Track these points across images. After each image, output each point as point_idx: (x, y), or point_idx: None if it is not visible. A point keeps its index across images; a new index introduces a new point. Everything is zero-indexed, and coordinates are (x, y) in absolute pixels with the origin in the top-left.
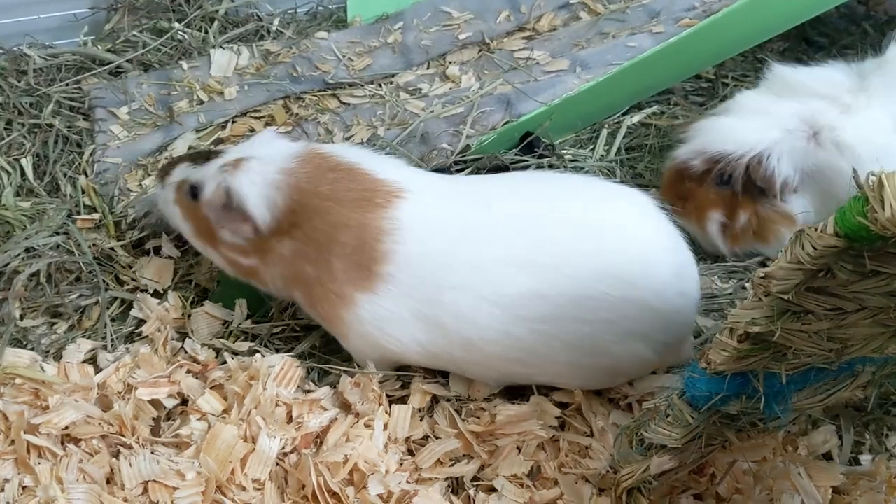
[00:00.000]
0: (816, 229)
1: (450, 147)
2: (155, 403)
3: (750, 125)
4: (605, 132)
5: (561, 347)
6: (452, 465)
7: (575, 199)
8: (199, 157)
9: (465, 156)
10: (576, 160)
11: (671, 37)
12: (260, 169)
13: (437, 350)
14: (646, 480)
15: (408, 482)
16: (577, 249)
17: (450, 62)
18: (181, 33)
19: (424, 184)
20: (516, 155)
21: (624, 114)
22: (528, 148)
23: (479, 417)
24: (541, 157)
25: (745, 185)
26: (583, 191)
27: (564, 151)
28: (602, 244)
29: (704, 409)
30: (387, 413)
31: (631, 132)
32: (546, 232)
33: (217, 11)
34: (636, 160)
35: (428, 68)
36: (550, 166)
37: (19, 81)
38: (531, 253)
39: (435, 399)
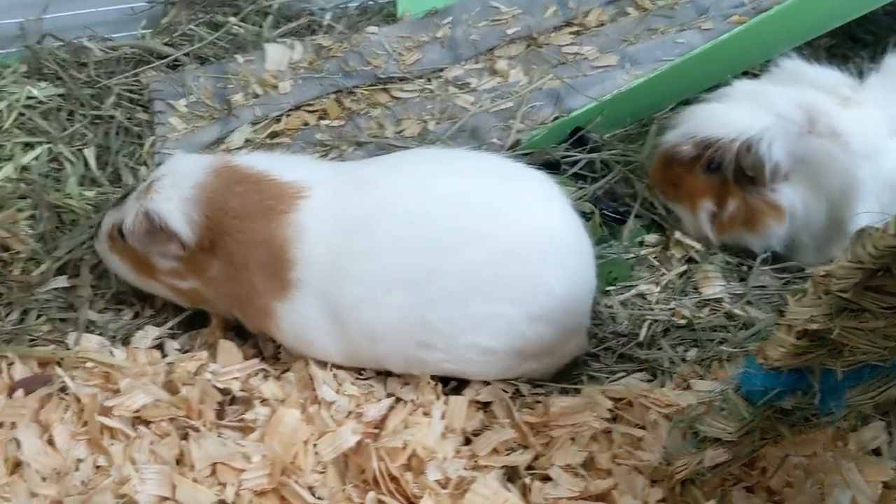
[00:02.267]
0: (878, 230)
1: (500, 142)
2: (222, 390)
3: (742, 110)
4: (654, 128)
5: (465, 327)
6: (508, 454)
7: (478, 179)
8: (120, 199)
9: (515, 151)
10: (625, 155)
11: (720, 33)
12: (172, 186)
13: (353, 347)
14: (699, 473)
15: (465, 469)
16: (479, 229)
17: (498, 57)
18: (236, 27)
19: (325, 179)
20: (566, 150)
21: (672, 109)
22: (579, 143)
23: (533, 409)
24: (591, 152)
25: (734, 172)
26: (487, 170)
27: (614, 147)
28: (504, 224)
29: (760, 404)
30: (444, 403)
31: None
32: (447, 211)
33: (271, 6)
34: None
35: (476, 63)
36: (602, 162)
37: (80, 73)
38: (431, 233)
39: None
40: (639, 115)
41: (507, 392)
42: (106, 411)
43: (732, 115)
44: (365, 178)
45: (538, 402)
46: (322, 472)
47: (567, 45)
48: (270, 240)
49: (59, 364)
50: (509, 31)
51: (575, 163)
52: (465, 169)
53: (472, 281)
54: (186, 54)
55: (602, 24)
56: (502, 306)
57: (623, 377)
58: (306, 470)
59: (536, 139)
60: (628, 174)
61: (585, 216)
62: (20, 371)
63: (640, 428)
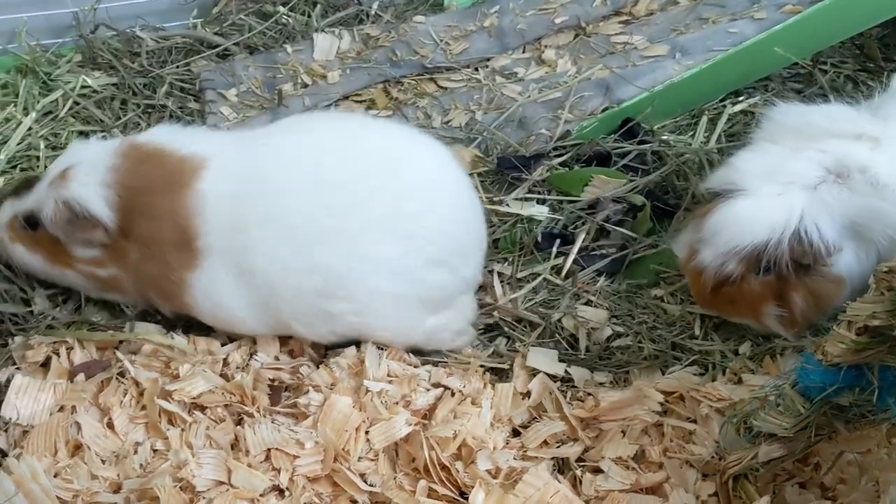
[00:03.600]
0: None
1: (548, 132)
2: (273, 379)
3: (771, 201)
4: (705, 119)
5: (365, 270)
6: (558, 446)
7: (373, 128)
8: (20, 187)
9: (564, 141)
10: (675, 147)
11: (774, 23)
12: (88, 172)
13: (262, 308)
14: (752, 468)
15: (515, 459)
16: (374, 169)
17: (545, 46)
18: (285, 17)
19: (221, 147)
20: (616, 141)
21: (722, 100)
22: (629, 134)
23: (583, 402)
24: (640, 143)
25: (792, 265)
26: (379, 124)
27: (664, 137)
28: (399, 165)
29: (817, 400)
30: (492, 392)
31: (730, 119)
32: (342, 154)
33: None
34: (736, 148)
35: (523, 52)
36: (654, 153)
37: (133, 63)
38: (324, 174)
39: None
40: (689, 105)
41: (555, 381)
42: (165, 395)
43: (766, 211)
44: (258, 136)
45: (589, 394)
46: (373, 460)
47: (616, 34)
48: (176, 212)
49: (117, 348)
50: (557, 21)
51: (625, 154)
52: (359, 121)
53: (368, 221)
54: (236, 44)
55: (651, 14)
56: (399, 246)
57: (675, 370)
58: (357, 457)
59: (586, 130)
60: (680, 166)
61: (636, 208)
62: (80, 356)
63: (691, 422)
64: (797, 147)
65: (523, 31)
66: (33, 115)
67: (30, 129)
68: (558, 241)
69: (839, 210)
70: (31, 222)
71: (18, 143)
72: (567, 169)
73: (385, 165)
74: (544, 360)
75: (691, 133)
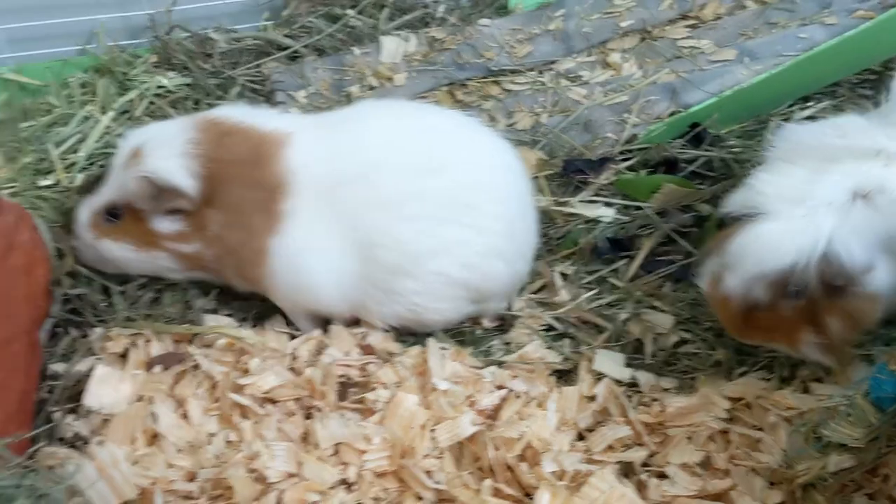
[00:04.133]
0: None
1: (614, 136)
2: (341, 375)
3: (797, 223)
4: (773, 125)
5: (437, 248)
6: (624, 450)
7: (449, 122)
8: (88, 186)
9: (631, 145)
10: (743, 152)
11: (845, 29)
12: (163, 146)
13: (347, 272)
14: (821, 477)
15: (580, 462)
16: (453, 158)
17: (611, 49)
18: (353, 20)
19: (301, 125)
20: (683, 146)
21: (789, 106)
22: (696, 139)
23: (648, 407)
24: (708, 149)
25: (821, 288)
26: (455, 115)
27: (731, 143)
28: (474, 158)
29: (890, 411)
30: (558, 395)
31: None
32: (425, 139)
33: None
34: None
35: (589, 55)
36: (722, 160)
37: (206, 64)
38: (409, 157)
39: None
40: (757, 111)
41: (621, 386)
42: (237, 389)
43: (791, 234)
44: (335, 116)
45: (654, 399)
46: (438, 458)
47: (683, 38)
48: (263, 180)
49: (191, 342)
50: (623, 24)
51: (692, 160)
52: (438, 110)
53: (444, 204)
54: (306, 46)
55: (719, 18)
56: (466, 232)
57: (742, 377)
58: (422, 454)
59: (653, 135)
60: (748, 174)
61: (702, 219)
62: (157, 348)
63: (758, 429)
64: (816, 168)
65: (588, 34)
66: (111, 114)
67: (107, 127)
68: (618, 245)
69: (867, 229)
70: (114, 213)
71: (96, 141)
72: (634, 174)
73: (462, 152)
74: (611, 364)
75: (758, 138)
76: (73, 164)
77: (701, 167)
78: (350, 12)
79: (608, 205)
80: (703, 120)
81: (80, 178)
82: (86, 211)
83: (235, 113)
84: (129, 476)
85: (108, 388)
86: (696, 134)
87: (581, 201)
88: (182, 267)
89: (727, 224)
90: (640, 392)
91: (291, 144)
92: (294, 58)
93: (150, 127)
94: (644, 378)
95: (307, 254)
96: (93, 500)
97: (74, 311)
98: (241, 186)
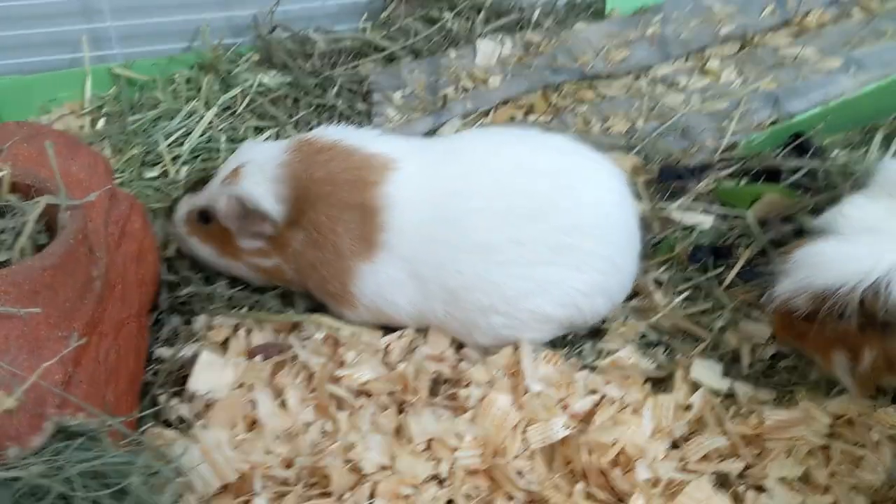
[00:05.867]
0: None
1: (713, 144)
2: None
3: (859, 249)
4: (879, 136)
5: (533, 289)
6: (720, 461)
7: (553, 158)
8: (195, 185)
9: (731, 153)
10: (848, 164)
11: None
12: (258, 169)
13: (424, 306)
14: None
15: (675, 471)
16: (554, 200)
17: (709, 56)
18: (450, 22)
19: (408, 152)
20: (786, 157)
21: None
22: (800, 150)
23: (745, 419)
24: (811, 158)
25: (863, 319)
26: (560, 148)
27: (835, 154)
28: (576, 201)
29: None
30: (654, 403)
31: None
32: (526, 182)
33: (484, 2)
34: None
35: (686, 61)
36: (826, 172)
37: (306, 63)
38: (510, 201)
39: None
40: (863, 122)
41: (717, 397)
42: (334, 380)
43: (849, 257)
44: (448, 151)
45: (752, 410)
46: (529, 459)
47: (785, 46)
48: (361, 206)
49: (290, 332)
50: (722, 31)
51: (795, 171)
52: (540, 145)
53: (544, 246)
54: (403, 48)
55: (823, 26)
56: (569, 273)
57: (842, 391)
58: (513, 455)
59: (755, 143)
60: (854, 186)
61: (804, 231)
62: (258, 337)
63: (860, 447)
64: None
65: (686, 40)
66: (214, 109)
67: (210, 122)
68: (716, 253)
69: None
70: (205, 217)
71: (200, 136)
72: (735, 182)
73: (565, 193)
74: (708, 373)
75: (864, 149)
76: (177, 157)
77: (804, 178)
78: (447, 15)
79: (706, 212)
80: (806, 130)
81: (184, 171)
82: (184, 207)
83: (335, 132)
84: (232, 459)
85: (211, 374)
86: (799, 144)
87: (678, 208)
88: (258, 278)
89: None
90: (736, 403)
91: (397, 170)
92: (391, 59)
93: (256, 146)
94: (741, 389)
95: (394, 288)
96: (195, 482)
97: (178, 300)
98: (331, 206)
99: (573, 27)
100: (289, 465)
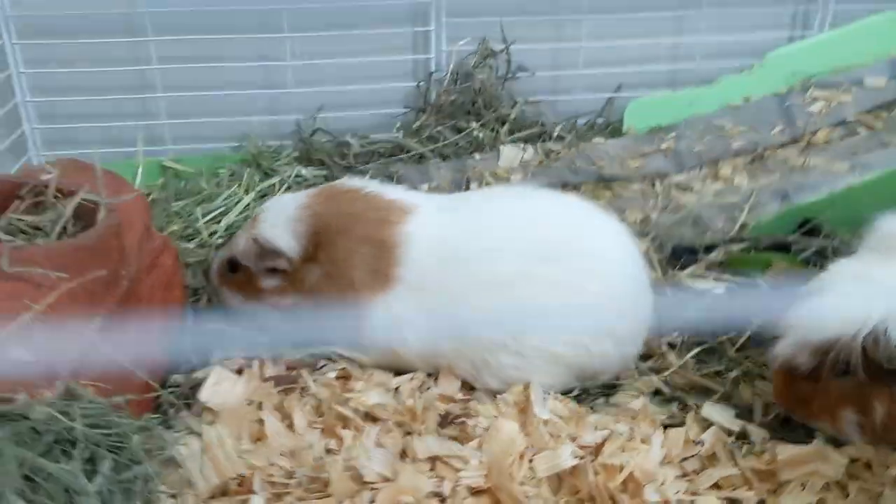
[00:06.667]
0: None
1: (724, 228)
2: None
3: (851, 300)
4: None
5: (542, 333)
6: (732, 490)
7: (567, 209)
8: (225, 242)
9: (742, 234)
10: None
11: None
12: (277, 212)
13: (434, 343)
14: None
15: (685, 494)
16: (567, 246)
17: (721, 166)
18: (476, 131)
19: (424, 200)
20: (796, 239)
21: None
22: (809, 234)
23: (758, 457)
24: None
25: (868, 370)
26: (571, 202)
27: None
28: (588, 244)
29: None
30: (663, 434)
31: None
32: (542, 227)
33: (509, 115)
34: None
35: (700, 170)
36: (835, 250)
37: (343, 159)
38: (524, 245)
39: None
40: (869, 210)
41: (730, 436)
42: (342, 402)
43: (843, 308)
44: (465, 200)
45: (764, 451)
46: (536, 487)
47: (794, 157)
48: (379, 240)
49: (302, 370)
50: (734, 145)
51: (804, 249)
52: (555, 198)
53: (553, 289)
54: (431, 151)
55: (830, 143)
56: (577, 315)
57: None
58: (519, 482)
59: (764, 224)
60: None
61: None
62: (271, 370)
63: (879, 483)
64: (892, 255)
65: (700, 152)
66: (252, 194)
67: (248, 205)
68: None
69: None
70: (232, 266)
71: (237, 215)
72: (746, 252)
73: (576, 240)
74: (720, 414)
75: None
76: (213, 233)
77: (813, 256)
78: (474, 124)
79: (718, 280)
80: (814, 216)
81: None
82: (217, 261)
83: (360, 181)
84: (234, 457)
85: (222, 388)
86: (809, 229)
87: (690, 276)
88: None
89: None
90: (749, 443)
91: (416, 213)
92: (420, 160)
93: (281, 196)
94: (755, 431)
95: (405, 325)
96: (194, 474)
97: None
98: (350, 239)
99: (592, 139)
100: (291, 476)
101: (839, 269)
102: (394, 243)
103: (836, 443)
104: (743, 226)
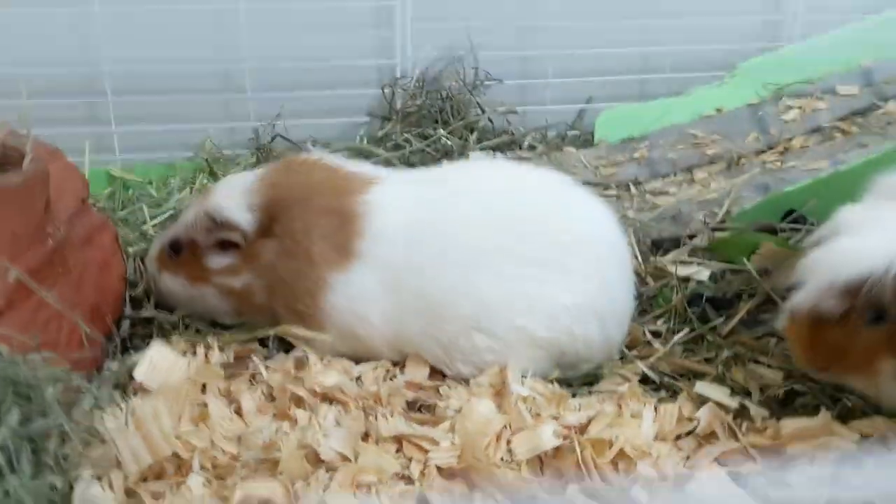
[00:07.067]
0: None
1: (706, 222)
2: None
3: (873, 240)
4: None
5: (518, 308)
6: (736, 465)
7: (545, 178)
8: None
9: (724, 223)
10: None
11: None
12: (231, 184)
13: (401, 322)
14: None
15: (684, 468)
16: (546, 215)
17: (697, 171)
18: (444, 139)
19: (392, 173)
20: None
21: None
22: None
23: (761, 433)
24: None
25: None
26: (551, 174)
27: None
28: (567, 216)
29: None
30: (654, 410)
31: None
32: (517, 196)
33: (478, 122)
34: None
35: (675, 176)
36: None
37: None
38: (499, 213)
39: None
40: (853, 197)
41: (728, 413)
42: (297, 382)
43: (868, 248)
44: (434, 172)
45: (767, 428)
46: (514, 471)
47: (771, 161)
48: (340, 210)
49: (252, 354)
50: (709, 152)
51: (789, 238)
52: (531, 169)
53: (530, 259)
54: (398, 158)
55: (806, 147)
56: (557, 289)
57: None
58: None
59: (748, 212)
60: None
61: None
62: (217, 357)
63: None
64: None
65: (674, 160)
66: None
67: None
68: (715, 305)
69: None
70: (175, 247)
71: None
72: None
73: (555, 208)
74: (715, 392)
75: None
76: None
77: (801, 243)
78: (441, 131)
79: (702, 265)
80: (798, 204)
81: None
82: (156, 245)
83: (322, 154)
84: (171, 434)
85: (161, 368)
86: (793, 220)
87: (672, 261)
88: (229, 306)
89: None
90: (750, 419)
91: (380, 184)
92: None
93: (237, 174)
94: (755, 409)
95: (368, 301)
96: (122, 452)
97: (140, 336)
98: (308, 211)
99: (563, 149)
100: (235, 458)
101: (848, 216)
102: (356, 214)
103: (843, 418)
104: (727, 213)
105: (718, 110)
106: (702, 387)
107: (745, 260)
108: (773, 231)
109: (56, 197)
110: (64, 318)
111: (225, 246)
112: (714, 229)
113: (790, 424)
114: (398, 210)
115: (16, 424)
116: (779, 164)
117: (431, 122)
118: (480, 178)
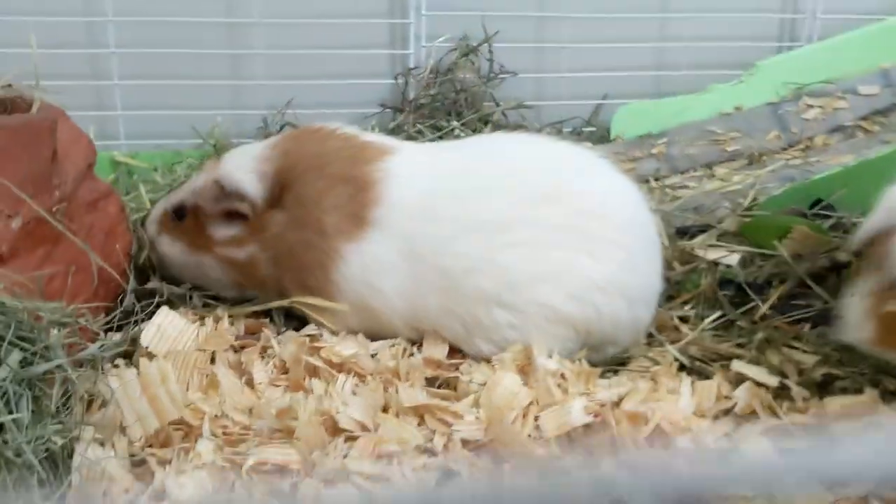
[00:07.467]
0: None
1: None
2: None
3: None
4: None
5: (541, 275)
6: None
7: (566, 146)
8: (174, 189)
9: (750, 211)
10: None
11: None
12: (242, 153)
13: (418, 295)
14: None
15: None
16: (567, 184)
17: (717, 169)
18: (458, 130)
19: (409, 144)
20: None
21: None
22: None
23: (803, 413)
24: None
25: None
26: (571, 145)
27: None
28: (592, 186)
29: None
30: (691, 386)
31: None
32: (538, 165)
33: (492, 115)
34: None
35: (695, 172)
36: (854, 224)
37: None
38: (519, 181)
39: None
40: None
41: (768, 391)
42: (313, 352)
43: None
44: (451, 143)
45: (805, 400)
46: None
47: (792, 158)
48: (354, 177)
49: (264, 328)
50: (729, 149)
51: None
52: (554, 141)
53: (554, 230)
54: None
55: (828, 145)
56: (584, 264)
57: None
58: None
59: (776, 198)
60: None
61: (840, 266)
62: (228, 328)
63: None
64: None
65: (694, 155)
66: None
67: None
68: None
69: None
70: (179, 213)
71: None
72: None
73: (581, 177)
74: (753, 370)
75: None
76: None
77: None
78: (455, 123)
79: (731, 250)
80: (826, 193)
81: None
82: (159, 208)
83: (338, 124)
84: (178, 398)
85: (168, 333)
86: (821, 209)
87: (701, 245)
88: (228, 277)
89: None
90: (791, 399)
91: (396, 152)
92: None
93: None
94: (796, 389)
95: (383, 274)
96: (128, 416)
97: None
98: (321, 178)
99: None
100: (247, 427)
101: None
102: (372, 181)
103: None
104: (753, 201)
105: (737, 108)
106: (739, 365)
107: (776, 243)
108: (803, 216)
109: (63, 155)
110: (69, 276)
111: (231, 216)
112: (741, 216)
113: (835, 402)
114: (417, 178)
115: (16, 366)
116: (802, 160)
117: (444, 113)
118: (504, 149)
